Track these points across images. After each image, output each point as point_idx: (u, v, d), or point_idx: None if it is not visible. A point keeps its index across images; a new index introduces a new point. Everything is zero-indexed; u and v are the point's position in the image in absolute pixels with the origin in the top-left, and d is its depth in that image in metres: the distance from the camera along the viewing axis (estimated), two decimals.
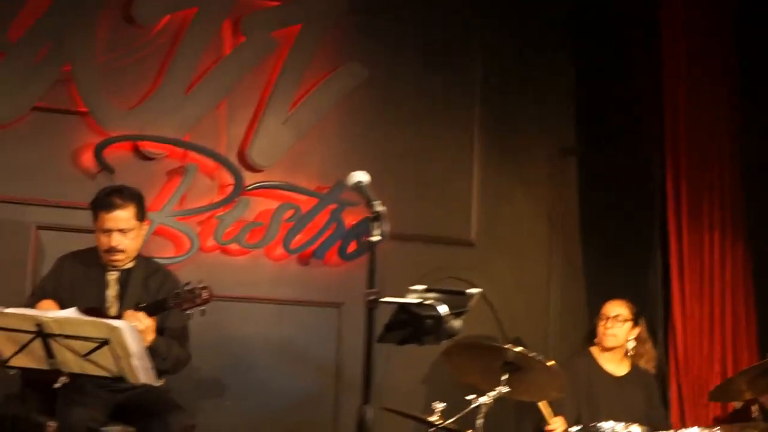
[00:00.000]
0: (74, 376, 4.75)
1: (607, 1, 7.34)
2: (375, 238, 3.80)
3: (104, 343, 4.50)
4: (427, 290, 3.81)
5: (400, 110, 6.89)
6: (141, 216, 5.31)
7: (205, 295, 5.02)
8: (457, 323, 3.79)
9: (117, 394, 5.15)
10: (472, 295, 3.86)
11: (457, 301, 3.82)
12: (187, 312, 5.02)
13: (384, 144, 6.84)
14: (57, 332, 4.55)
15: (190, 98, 6.33)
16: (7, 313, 4.61)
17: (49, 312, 4.60)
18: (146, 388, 4.90)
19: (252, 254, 6.46)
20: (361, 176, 3.97)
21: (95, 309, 5.07)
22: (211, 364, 6.26)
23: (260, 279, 6.49)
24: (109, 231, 5.24)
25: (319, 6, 6.64)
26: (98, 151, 6.08)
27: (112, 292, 5.30)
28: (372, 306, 3.69)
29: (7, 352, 4.73)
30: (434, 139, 6.98)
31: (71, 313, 4.61)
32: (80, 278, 5.35)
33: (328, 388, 6.63)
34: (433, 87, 6.96)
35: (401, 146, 6.90)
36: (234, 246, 6.38)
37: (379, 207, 3.80)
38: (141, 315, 4.95)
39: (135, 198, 5.31)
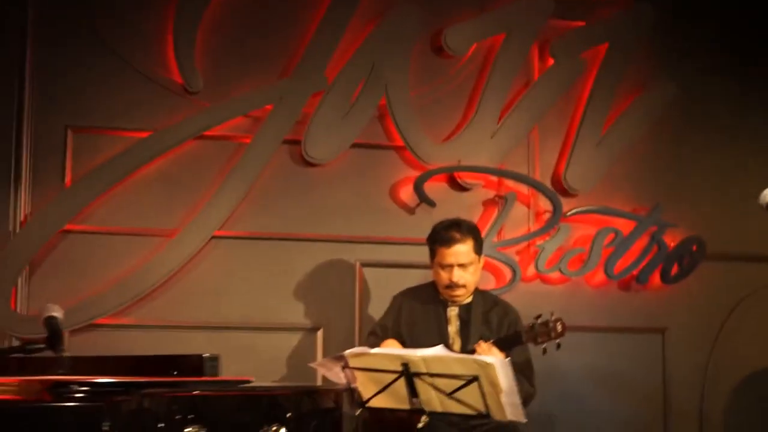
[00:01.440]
0: (432, 415, 4.65)
1: None
2: None
3: (473, 380, 4.39)
4: None
5: (711, 127, 6.59)
6: (479, 250, 5.21)
7: (559, 328, 4.87)
8: None
9: None
10: None
11: None
12: (542, 346, 4.87)
13: (697, 161, 6.56)
14: (424, 371, 4.46)
15: (502, 126, 6.21)
16: (373, 354, 4.56)
17: (417, 351, 4.52)
18: (498, 424, 4.77)
19: (571, 282, 6.28)
20: None
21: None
22: (539, 394, 6.08)
23: (579, 307, 6.31)
24: (449, 266, 5.15)
25: (625, 24, 6.43)
26: (419, 185, 6.02)
27: (453, 327, 5.20)
28: None
29: (368, 392, 4.67)
30: (751, 155, 6.65)
31: (439, 351, 4.52)
32: (419, 315, 5.28)
33: (656, 418, 6.38)
34: (746, 104, 6.65)
35: (714, 163, 6.60)
36: (555, 274, 6.22)
37: None
38: (495, 350, 4.84)
39: (473, 232, 5.21)
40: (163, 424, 2.91)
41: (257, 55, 5.96)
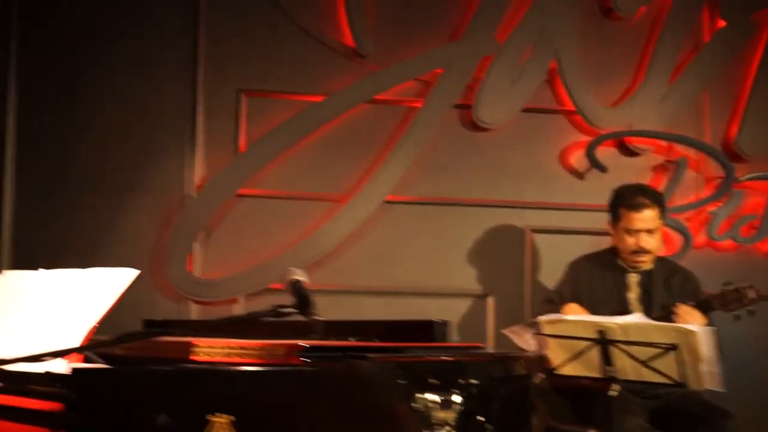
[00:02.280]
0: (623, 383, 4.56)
1: None
2: None
3: (672, 348, 4.29)
4: None
5: None
6: (664, 216, 5.11)
7: (751, 294, 4.74)
8: None
9: (651, 401, 4.94)
10: None
11: None
12: (734, 313, 4.75)
13: None
14: (620, 338, 4.38)
15: (672, 90, 6.07)
16: (567, 320, 4.49)
17: (615, 318, 4.44)
18: (682, 392, 4.67)
19: (742, 249, 6.13)
20: None
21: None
22: None
23: (752, 275, 6.11)
24: (636, 231, 5.05)
25: None
26: (590, 150, 5.92)
27: (633, 294, 5.11)
28: None
29: (558, 359, 4.60)
30: None
31: (637, 318, 4.43)
32: (598, 282, 5.19)
33: None
34: None
35: None
36: (727, 242, 6.08)
37: None
38: (696, 313, 4.74)
39: (659, 197, 5.12)
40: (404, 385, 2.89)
41: (426, 18, 5.90)
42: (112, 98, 5.56)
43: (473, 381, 3.13)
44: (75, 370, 2.55)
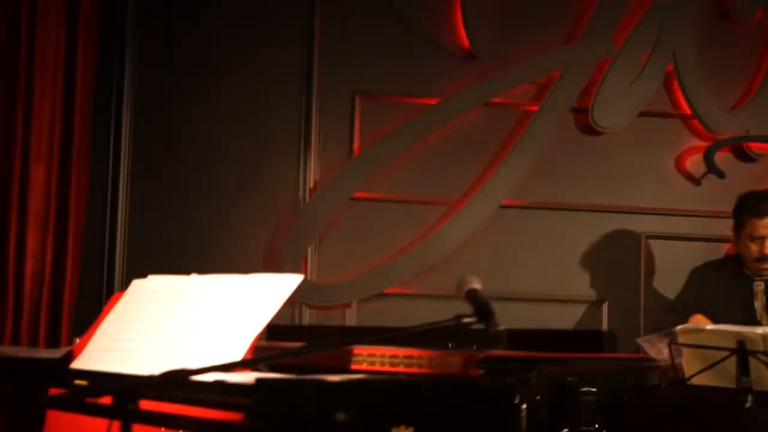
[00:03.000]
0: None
1: None
2: None
3: None
4: None
5: None
6: None
7: None
8: None
9: None
10: None
11: None
12: None
13: None
14: (761, 349, 4.25)
15: None
16: (706, 330, 4.38)
17: (757, 328, 4.33)
18: None
19: None
20: None
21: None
22: None
23: None
24: (761, 238, 4.93)
25: None
26: (709, 155, 5.80)
27: (759, 303, 5.00)
28: None
29: (692, 369, 4.49)
30: None
31: None
32: (723, 290, 5.08)
33: None
34: None
35: None
36: None
37: None
38: None
39: None
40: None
41: (542, 19, 5.83)
42: (228, 100, 5.53)
43: None
44: (259, 380, 2.50)
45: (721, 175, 5.82)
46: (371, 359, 3.09)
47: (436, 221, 5.62)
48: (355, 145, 5.60)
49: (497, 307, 5.36)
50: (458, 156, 5.67)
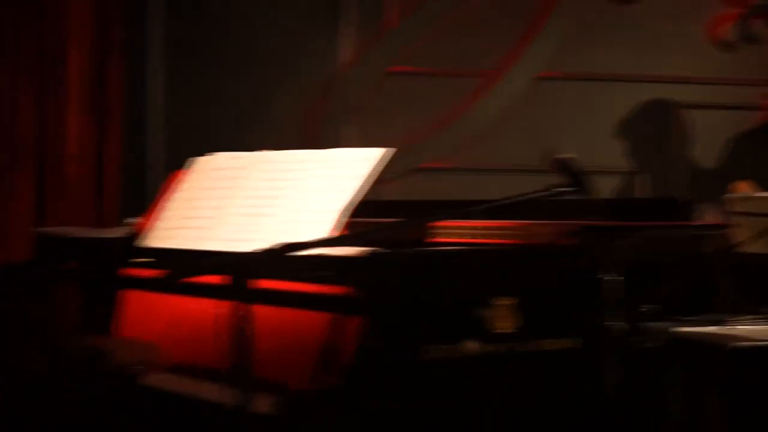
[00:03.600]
0: None
1: None
2: None
3: None
4: None
5: None
6: None
7: None
8: None
9: None
10: None
11: None
12: None
13: None
14: None
15: None
16: (760, 197, 4.38)
17: None
18: None
19: None
20: None
21: None
22: None
23: None
24: None
25: None
26: (743, 21, 5.74)
27: None
28: None
29: (743, 236, 4.49)
30: None
31: None
32: (763, 157, 5.07)
33: None
34: None
35: None
36: None
37: None
38: None
39: None
40: None
41: None
42: None
43: None
44: (370, 253, 2.50)
45: (754, 39, 5.76)
46: (451, 231, 3.08)
47: (473, 94, 5.57)
48: (389, 18, 5.50)
49: (537, 179, 5.40)
50: (494, 27, 5.59)
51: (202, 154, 3.54)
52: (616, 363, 2.76)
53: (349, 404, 2.43)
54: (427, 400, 2.53)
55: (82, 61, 4.85)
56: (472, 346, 2.52)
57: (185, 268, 2.42)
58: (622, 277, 2.76)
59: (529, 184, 5.41)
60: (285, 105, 5.46)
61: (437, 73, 5.54)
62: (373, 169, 2.85)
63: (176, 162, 5.05)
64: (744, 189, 4.92)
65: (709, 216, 4.48)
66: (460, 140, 5.50)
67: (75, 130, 4.84)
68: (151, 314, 3.21)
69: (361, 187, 2.83)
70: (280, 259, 2.24)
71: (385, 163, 2.91)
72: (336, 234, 2.74)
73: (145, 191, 5.20)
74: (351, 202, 2.82)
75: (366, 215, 2.88)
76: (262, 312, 2.35)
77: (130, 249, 3.36)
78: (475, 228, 3.00)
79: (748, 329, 2.97)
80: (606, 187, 5.74)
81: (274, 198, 3.04)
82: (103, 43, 4.92)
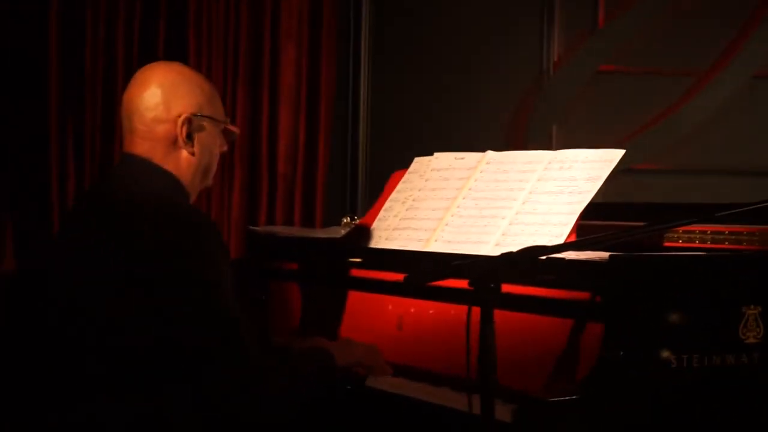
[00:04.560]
0: None
1: None
2: None
3: None
4: None
5: None
6: None
7: None
8: None
9: None
10: None
11: None
12: None
13: None
14: None
15: None
16: None
17: None
18: None
19: None
20: None
21: None
22: None
23: None
24: None
25: None
26: None
27: None
28: None
29: None
30: None
31: None
32: None
33: None
34: None
35: None
36: None
37: None
38: None
39: None
40: None
41: None
42: None
43: None
44: (613, 257, 2.41)
45: None
46: (688, 236, 2.95)
47: (685, 93, 5.40)
48: (600, 17, 5.38)
49: (749, 182, 5.18)
50: (706, 25, 5.40)
51: (407, 154, 3.51)
52: None
53: (590, 415, 2.35)
54: (670, 413, 2.42)
55: (295, 60, 4.86)
56: (722, 357, 2.41)
57: (427, 271, 2.36)
58: None
59: (741, 187, 5.26)
60: (492, 105, 5.39)
61: (649, 73, 5.38)
62: (609, 171, 2.75)
63: (380, 162, 5.07)
64: None
65: None
66: (671, 141, 5.34)
67: (286, 126, 4.86)
68: (373, 316, 3.18)
69: (597, 189, 2.74)
70: (528, 264, 2.16)
71: (616, 165, 2.80)
72: (573, 238, 2.65)
73: (353, 190, 5.22)
74: (586, 204, 2.73)
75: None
76: (499, 316, 2.28)
77: (351, 249, 3.34)
78: (717, 233, 2.87)
79: None
80: None
81: (504, 199, 2.97)
82: (316, 42, 4.92)
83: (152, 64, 2.79)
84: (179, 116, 2.67)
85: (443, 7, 5.42)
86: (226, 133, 2.80)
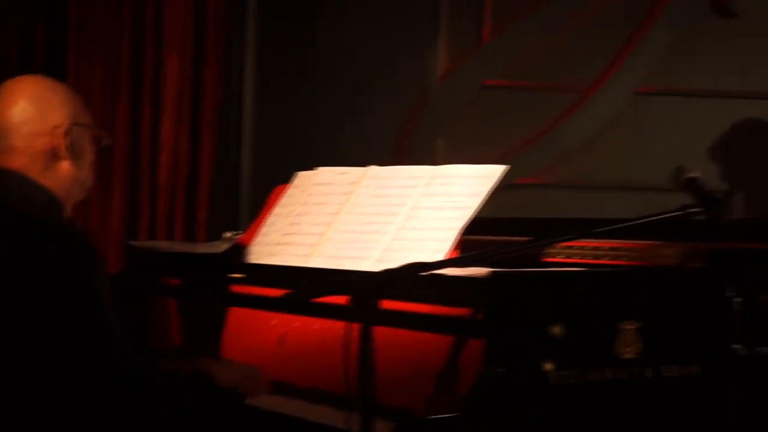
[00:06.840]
0: None
1: None
2: None
3: None
4: None
5: None
6: None
7: None
8: None
9: None
10: None
11: None
12: None
13: None
14: None
15: None
16: None
17: None
18: None
19: None
20: None
21: None
22: None
23: None
24: None
25: None
26: None
27: None
28: None
29: None
30: None
31: None
32: None
33: None
34: None
35: None
36: None
37: None
38: None
39: None
40: None
41: None
42: None
43: None
44: (494, 273, 2.40)
45: None
46: (568, 251, 2.97)
47: (569, 108, 5.44)
48: (485, 31, 5.41)
49: (631, 197, 5.25)
50: (591, 42, 5.46)
51: (292, 167, 3.48)
52: (741, 390, 2.64)
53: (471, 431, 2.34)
54: (550, 427, 2.42)
55: (179, 69, 4.80)
56: (600, 371, 2.42)
57: (307, 287, 2.33)
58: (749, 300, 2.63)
59: (623, 202, 5.32)
60: (378, 117, 5.38)
61: (534, 88, 5.42)
62: (492, 187, 2.75)
63: (265, 174, 5.03)
64: None
65: None
66: (553, 156, 5.37)
67: (168, 138, 4.79)
68: (254, 333, 3.14)
69: (479, 205, 2.74)
70: (408, 280, 2.14)
71: (499, 181, 2.80)
72: (455, 254, 2.64)
73: (236, 203, 5.16)
74: (468, 220, 2.73)
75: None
76: (380, 333, 2.26)
77: (231, 265, 3.29)
78: (597, 249, 2.89)
79: None
80: None
81: (386, 215, 2.96)
82: (200, 52, 4.86)
83: (13, 80, 2.72)
84: (57, 127, 2.61)
85: (330, 19, 5.40)
86: (95, 139, 2.76)
